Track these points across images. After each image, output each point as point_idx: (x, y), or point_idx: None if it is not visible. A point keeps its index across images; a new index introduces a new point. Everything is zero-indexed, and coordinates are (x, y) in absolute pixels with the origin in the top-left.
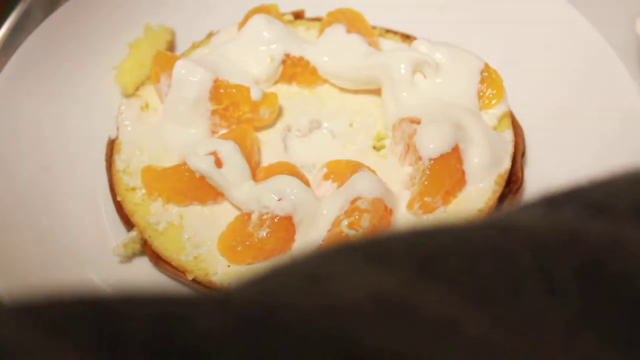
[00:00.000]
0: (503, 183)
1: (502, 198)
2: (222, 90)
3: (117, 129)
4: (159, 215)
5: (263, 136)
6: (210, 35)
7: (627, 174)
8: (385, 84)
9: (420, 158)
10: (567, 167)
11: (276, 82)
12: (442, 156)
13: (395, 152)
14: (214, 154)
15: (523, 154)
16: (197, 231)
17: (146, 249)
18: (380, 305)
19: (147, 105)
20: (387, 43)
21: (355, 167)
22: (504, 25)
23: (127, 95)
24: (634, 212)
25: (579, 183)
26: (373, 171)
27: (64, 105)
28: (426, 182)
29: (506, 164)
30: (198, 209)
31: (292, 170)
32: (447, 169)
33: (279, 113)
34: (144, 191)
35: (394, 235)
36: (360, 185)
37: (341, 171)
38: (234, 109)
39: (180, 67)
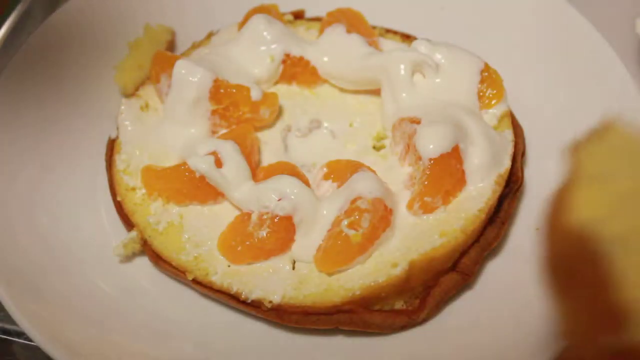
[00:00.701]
0: (503, 183)
1: (502, 198)
2: (222, 90)
3: (117, 129)
4: (159, 215)
5: (263, 136)
6: (210, 35)
7: None
8: (384, 84)
9: (420, 158)
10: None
11: (276, 82)
12: (442, 156)
13: (395, 152)
14: (214, 154)
15: (523, 154)
16: (197, 231)
17: (146, 249)
18: None
19: (147, 105)
20: (387, 43)
21: (355, 167)
22: (504, 25)
23: (127, 95)
24: None
25: None
26: (373, 171)
27: (64, 105)
28: (426, 182)
29: (506, 164)
30: (198, 209)
31: (292, 170)
32: (447, 169)
33: (279, 113)
34: (144, 191)
35: None
36: (360, 185)
37: (341, 171)
38: (234, 109)
39: (180, 67)
